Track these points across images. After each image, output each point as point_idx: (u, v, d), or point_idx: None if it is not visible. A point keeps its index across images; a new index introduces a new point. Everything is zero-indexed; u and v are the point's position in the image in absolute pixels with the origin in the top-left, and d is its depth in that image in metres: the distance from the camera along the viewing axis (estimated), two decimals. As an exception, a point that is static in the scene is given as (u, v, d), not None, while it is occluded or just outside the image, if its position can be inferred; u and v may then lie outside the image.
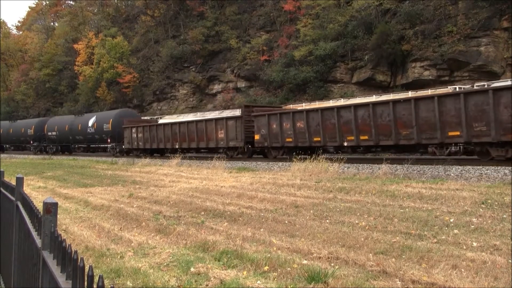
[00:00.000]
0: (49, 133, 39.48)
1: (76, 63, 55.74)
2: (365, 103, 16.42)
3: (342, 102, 24.08)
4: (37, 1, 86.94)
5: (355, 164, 14.08)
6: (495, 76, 24.22)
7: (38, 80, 63.65)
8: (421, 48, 27.44)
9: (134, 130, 28.68)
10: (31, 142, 41.76)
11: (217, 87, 42.63)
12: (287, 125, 18.21)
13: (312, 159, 13.20)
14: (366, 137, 15.27)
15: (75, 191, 12.89)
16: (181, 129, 24.65)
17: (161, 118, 37.04)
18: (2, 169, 4.65)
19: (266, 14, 40.70)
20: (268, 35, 39.55)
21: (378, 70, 30.22)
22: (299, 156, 14.54)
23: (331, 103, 24.92)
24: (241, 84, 40.11)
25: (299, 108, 22.28)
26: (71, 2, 71.33)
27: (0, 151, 47.56)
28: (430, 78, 27.21)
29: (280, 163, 16.08)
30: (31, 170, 20.99)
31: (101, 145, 33.98)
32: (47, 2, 76.31)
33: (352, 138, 15.67)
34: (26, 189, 6.28)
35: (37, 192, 12.91)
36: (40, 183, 15.55)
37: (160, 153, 28.63)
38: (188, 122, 24.80)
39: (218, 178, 13.32)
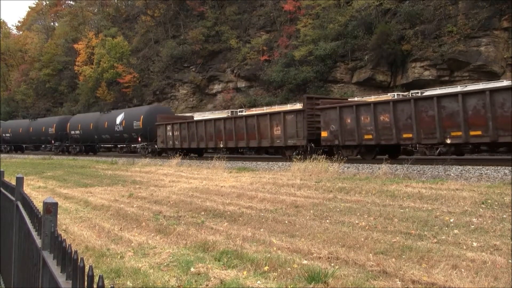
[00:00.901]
0: (72, 132, 35.69)
1: (76, 63, 55.78)
2: (480, 89, 13.81)
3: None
4: (37, 1, 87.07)
5: (355, 164, 14.08)
6: (495, 76, 24.23)
7: (38, 80, 63.69)
8: (421, 48, 27.45)
9: (169, 127, 25.01)
10: (52, 141, 38.27)
11: (217, 87, 42.65)
12: (366, 119, 15.42)
13: (312, 159, 13.19)
14: (478, 133, 12.59)
15: (75, 191, 12.90)
16: (227, 125, 21.43)
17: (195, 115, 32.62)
18: (2, 169, 4.65)
19: (266, 14, 40.71)
20: (268, 35, 39.56)
21: (378, 70, 30.23)
22: (302, 156, 14.38)
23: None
24: (241, 84, 40.12)
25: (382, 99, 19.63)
26: (71, 2, 71.44)
27: (19, 151, 44.65)
28: (430, 78, 27.23)
29: (280, 163, 16.07)
30: (31, 170, 20.99)
31: (130, 145, 30.72)
32: (47, 2, 76.36)
33: (459, 133, 12.93)
34: (26, 189, 6.28)
35: (37, 192, 12.91)
36: (40, 183, 15.55)
37: (198, 153, 25.63)
38: (236, 118, 21.63)
39: (218, 178, 13.32)
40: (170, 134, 24.90)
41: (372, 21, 30.64)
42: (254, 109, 30.17)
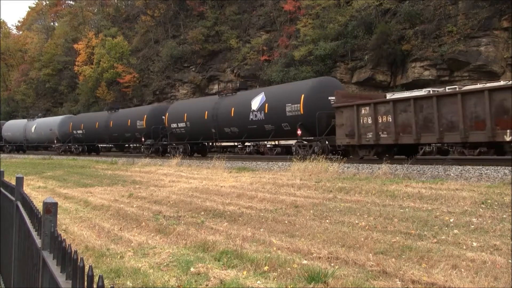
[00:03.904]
0: (173, 126, 25.46)
1: (76, 63, 55.80)
2: None
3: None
4: (37, 1, 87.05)
5: (355, 164, 14.07)
6: (495, 76, 24.23)
7: (38, 80, 63.74)
8: (421, 48, 27.45)
9: (366, 110, 15.52)
10: (143, 139, 27.98)
11: (217, 87, 42.67)
12: None
13: (312, 159, 13.19)
14: None
15: (75, 191, 12.90)
16: None
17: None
18: (2, 169, 4.66)
19: (266, 14, 40.73)
20: (268, 35, 39.58)
21: (378, 70, 30.24)
22: (299, 156, 14.22)
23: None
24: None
25: None
26: (71, 2, 71.46)
27: (94, 152, 35.83)
28: (430, 78, 27.23)
29: (280, 163, 16.05)
30: (31, 170, 20.99)
31: (276, 141, 21.73)
32: (47, 2, 76.37)
33: None
34: (26, 189, 6.28)
35: (37, 192, 12.92)
36: (40, 183, 15.55)
37: (408, 152, 15.77)
38: None
39: (218, 178, 13.32)
40: (369, 121, 15.54)
41: (372, 21, 30.64)
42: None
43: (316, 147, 17.26)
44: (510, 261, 4.82)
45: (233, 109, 21.38)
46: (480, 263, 4.79)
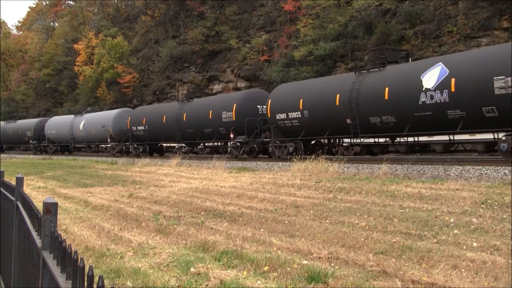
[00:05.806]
0: (280, 117, 18.80)
1: (76, 63, 55.79)
2: None
3: None
4: (37, 1, 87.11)
5: (355, 164, 14.06)
6: (495, 76, 24.21)
7: (38, 80, 63.72)
8: (421, 48, 27.45)
9: None
10: (231, 136, 21.28)
11: (217, 87, 42.68)
12: None
13: (312, 159, 13.19)
14: None
15: (75, 191, 12.90)
16: None
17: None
18: (2, 169, 4.66)
19: (266, 14, 40.73)
20: (268, 35, 39.58)
21: (378, 70, 30.21)
22: (300, 156, 14.27)
23: None
24: (241, 84, 40.14)
25: None
26: (71, 2, 71.41)
27: (157, 154, 29.24)
28: (430, 78, 27.23)
29: (280, 163, 16.05)
30: (31, 170, 20.99)
31: (452, 135, 14.81)
32: (47, 2, 76.37)
33: None
34: (26, 189, 6.28)
35: (37, 192, 12.92)
36: (40, 183, 15.55)
37: None
38: None
39: (218, 178, 13.32)
40: None
41: (372, 21, 30.65)
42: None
43: None
44: (510, 261, 4.82)
45: (387, 89, 14.94)
46: (480, 263, 4.79)
